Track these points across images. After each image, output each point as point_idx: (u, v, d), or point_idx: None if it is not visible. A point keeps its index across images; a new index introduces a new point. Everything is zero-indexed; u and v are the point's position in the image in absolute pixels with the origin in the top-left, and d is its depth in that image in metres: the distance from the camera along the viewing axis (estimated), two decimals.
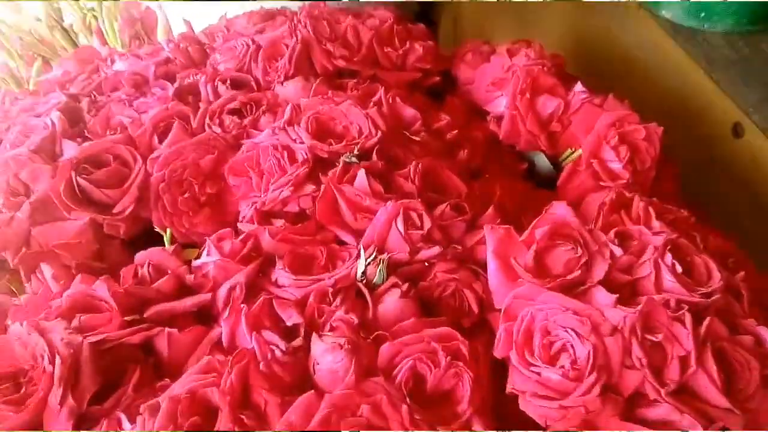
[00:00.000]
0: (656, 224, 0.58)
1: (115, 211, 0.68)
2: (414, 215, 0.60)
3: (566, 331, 0.51)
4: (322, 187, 0.63)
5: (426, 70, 0.83)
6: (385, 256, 0.58)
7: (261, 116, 0.73)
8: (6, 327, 0.59)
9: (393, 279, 0.58)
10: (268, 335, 0.54)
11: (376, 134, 0.66)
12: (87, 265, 0.66)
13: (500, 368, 0.54)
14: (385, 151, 0.66)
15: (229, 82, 0.78)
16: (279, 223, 0.64)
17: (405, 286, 0.58)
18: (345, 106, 0.68)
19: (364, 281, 0.58)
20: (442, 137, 0.73)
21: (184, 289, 0.61)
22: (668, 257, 0.54)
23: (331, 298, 0.57)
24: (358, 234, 0.61)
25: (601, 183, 0.69)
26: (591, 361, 0.49)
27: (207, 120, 0.73)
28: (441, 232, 0.61)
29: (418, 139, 0.70)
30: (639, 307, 0.51)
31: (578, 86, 0.74)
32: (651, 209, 0.60)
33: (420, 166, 0.64)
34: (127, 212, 0.67)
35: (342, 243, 0.62)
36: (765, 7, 0.85)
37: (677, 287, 0.53)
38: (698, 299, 0.52)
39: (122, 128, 0.74)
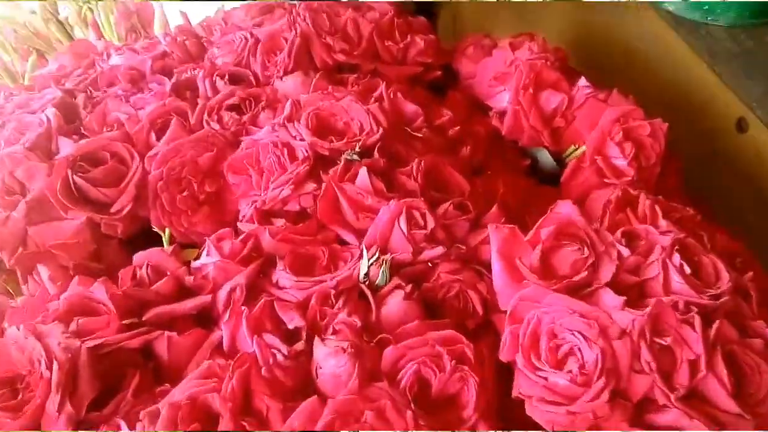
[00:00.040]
0: (663, 223, 0.57)
1: (112, 210, 0.66)
2: (417, 214, 0.59)
3: (573, 334, 0.50)
4: (323, 185, 0.62)
5: (427, 64, 0.82)
6: (388, 256, 0.58)
7: (260, 112, 0.72)
8: (2, 330, 0.58)
9: (396, 280, 0.57)
10: (270, 339, 0.54)
11: (378, 131, 0.65)
12: (84, 265, 0.65)
13: (505, 371, 0.53)
14: (387, 148, 0.65)
15: (227, 77, 0.77)
16: (279, 222, 0.63)
17: (408, 288, 0.57)
18: (346, 102, 0.67)
19: (367, 282, 0.57)
20: (444, 133, 0.72)
21: (183, 291, 0.60)
22: (676, 258, 0.53)
23: (334, 300, 0.56)
24: (360, 233, 0.61)
25: (606, 180, 0.68)
26: (599, 365, 0.48)
27: (205, 116, 0.72)
28: (444, 231, 0.60)
29: (420, 135, 0.69)
30: (647, 310, 0.50)
31: (582, 81, 0.73)
32: (657, 208, 0.59)
33: (422, 163, 0.63)
34: (124, 211, 0.66)
35: (344, 243, 0.61)
36: None
37: (686, 289, 0.52)
38: (707, 301, 0.52)
39: (119, 125, 0.73)
